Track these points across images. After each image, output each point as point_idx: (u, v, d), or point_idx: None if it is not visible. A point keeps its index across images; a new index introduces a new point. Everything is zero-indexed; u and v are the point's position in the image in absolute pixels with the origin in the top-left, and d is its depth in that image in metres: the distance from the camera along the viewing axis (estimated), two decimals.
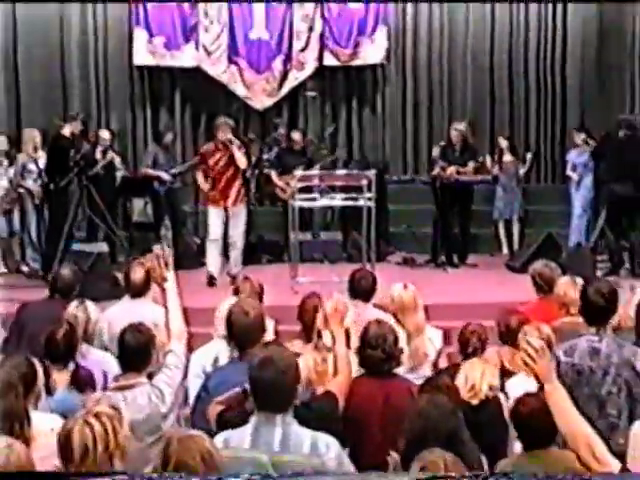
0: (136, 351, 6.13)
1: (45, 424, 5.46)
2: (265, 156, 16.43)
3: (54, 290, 8.79)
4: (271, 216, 15.94)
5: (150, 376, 6.17)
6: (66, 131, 14.02)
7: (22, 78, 17.08)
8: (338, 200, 13.84)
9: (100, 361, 7.12)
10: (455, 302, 11.61)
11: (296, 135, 16.13)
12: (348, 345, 6.48)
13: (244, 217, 13.40)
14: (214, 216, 13.24)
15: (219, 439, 5.07)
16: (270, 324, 7.49)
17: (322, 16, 17.41)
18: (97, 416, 4.73)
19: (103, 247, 13.92)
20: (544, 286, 8.54)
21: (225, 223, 13.28)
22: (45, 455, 5.23)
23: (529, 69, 17.69)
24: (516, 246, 15.78)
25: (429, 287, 11.06)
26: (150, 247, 14.71)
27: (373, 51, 17.48)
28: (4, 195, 14.26)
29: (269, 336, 7.24)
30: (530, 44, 17.64)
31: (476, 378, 6.39)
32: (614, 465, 4.50)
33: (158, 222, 15.35)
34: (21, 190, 14.20)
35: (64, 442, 4.69)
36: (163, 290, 6.56)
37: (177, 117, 17.66)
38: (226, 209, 13.20)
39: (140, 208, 15.61)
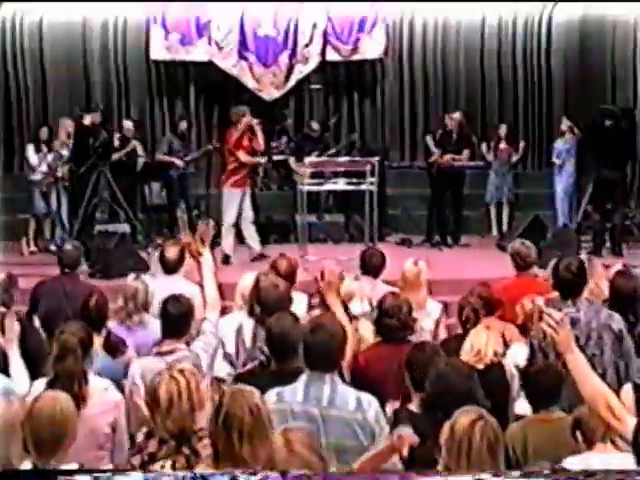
0: (177, 319, 6.24)
1: (98, 384, 5.63)
2: (273, 144, 16.36)
3: (63, 266, 8.79)
4: (278, 199, 15.96)
5: (187, 342, 6.26)
6: (86, 121, 14.02)
7: (49, 73, 17.05)
8: (343, 184, 13.77)
9: (154, 329, 7.09)
10: (449, 278, 11.51)
11: (315, 125, 16.31)
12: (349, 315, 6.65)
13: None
14: (234, 199, 13.30)
15: (272, 393, 5.15)
16: (304, 298, 7.69)
17: (325, 13, 17.28)
18: (181, 372, 4.87)
19: (125, 228, 14.06)
20: (521, 263, 8.62)
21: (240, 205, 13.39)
22: (102, 410, 5.49)
23: (517, 63, 17.69)
24: (505, 228, 15.82)
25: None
26: (164, 228, 15.17)
27: (372, 47, 17.42)
28: (43, 178, 14.31)
29: (302, 308, 7.36)
30: (517, 39, 17.62)
31: (481, 344, 6.43)
32: (630, 422, 4.46)
33: (173, 205, 15.41)
34: (58, 174, 14.22)
35: (152, 394, 4.81)
36: (199, 263, 6.74)
37: (191, 107, 17.62)
38: (244, 192, 13.36)
39: (157, 192, 15.76)
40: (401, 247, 14.45)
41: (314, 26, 17.35)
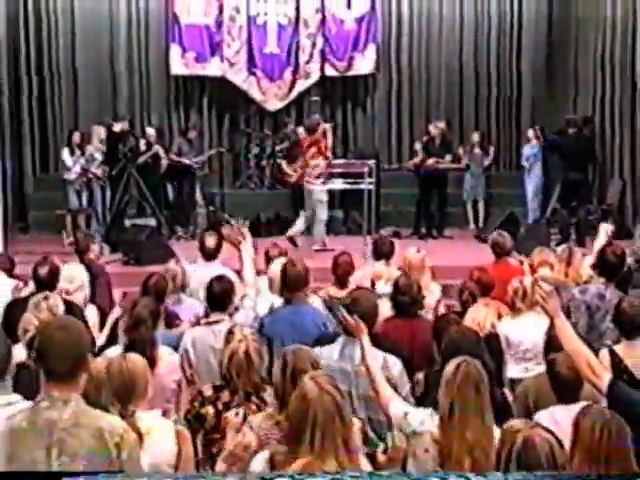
0: (221, 295, 6.48)
1: (164, 349, 5.86)
2: (277, 148, 16.43)
3: (77, 252, 8.97)
4: (284, 197, 15.90)
5: (230, 314, 6.55)
6: (116, 128, 14.23)
7: (80, 86, 17.06)
8: (344, 184, 13.84)
9: (192, 306, 7.40)
10: (435, 265, 11.84)
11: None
12: None
13: None
14: (307, 194, 13.49)
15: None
16: None
17: (323, 35, 17.31)
18: (253, 334, 5.20)
19: (152, 221, 14.14)
20: (499, 251, 8.81)
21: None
22: (169, 371, 5.72)
23: (491, 80, 17.69)
24: (482, 222, 15.76)
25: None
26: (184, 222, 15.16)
27: (365, 63, 17.42)
28: (76, 178, 14.34)
29: None
30: (491, 59, 17.65)
31: (481, 318, 6.72)
32: (607, 378, 4.63)
33: (191, 202, 15.44)
34: (90, 174, 14.26)
35: (244, 354, 5.07)
36: (239, 250, 7.02)
37: (205, 117, 17.54)
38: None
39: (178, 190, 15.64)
40: (392, 239, 14.40)
41: (313, 45, 17.31)
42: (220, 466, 4.28)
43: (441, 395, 4.49)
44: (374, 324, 5.72)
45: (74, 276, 7.48)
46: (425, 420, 4.57)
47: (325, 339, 5.84)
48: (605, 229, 8.44)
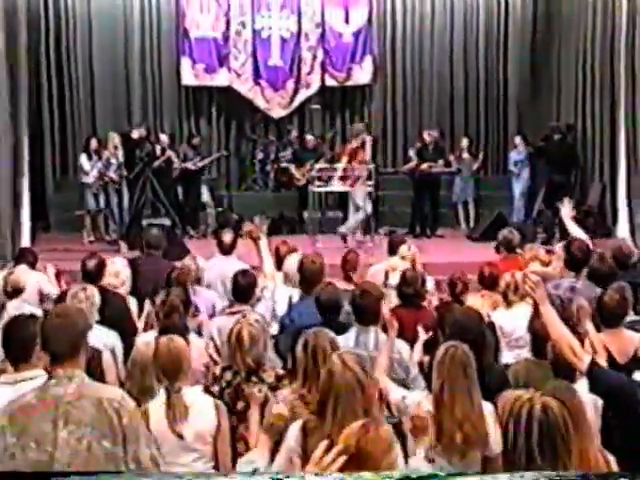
0: (245, 288, 6.67)
1: (192, 336, 6.03)
2: (281, 153, 16.53)
3: (149, 247, 9.10)
4: (287, 198, 15.95)
5: (252, 305, 6.71)
6: (134, 135, 14.29)
7: (97, 95, 17.13)
8: (345, 186, 13.77)
9: (208, 297, 7.56)
10: (430, 262, 11.87)
11: (309, 137, 16.32)
12: None
13: None
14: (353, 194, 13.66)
15: None
16: None
17: (323, 47, 17.39)
18: (257, 321, 5.36)
19: (166, 221, 14.09)
20: (508, 246, 8.86)
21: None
22: (199, 354, 5.87)
23: (480, 87, 17.78)
24: (472, 222, 15.81)
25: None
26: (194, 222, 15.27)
27: (362, 74, 17.50)
28: (94, 182, 14.39)
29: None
30: (480, 69, 17.71)
31: (478, 306, 6.78)
32: (587, 360, 4.75)
33: (199, 203, 15.56)
34: (106, 178, 14.27)
35: (236, 336, 5.24)
36: (257, 245, 7.26)
37: (213, 124, 17.63)
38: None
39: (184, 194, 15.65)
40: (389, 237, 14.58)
41: (314, 57, 17.38)
42: (262, 437, 4.44)
43: (433, 377, 4.69)
44: (380, 313, 5.85)
45: (118, 271, 7.68)
46: (422, 401, 4.74)
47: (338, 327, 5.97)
48: (566, 204, 8.64)
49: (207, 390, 5.21)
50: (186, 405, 4.76)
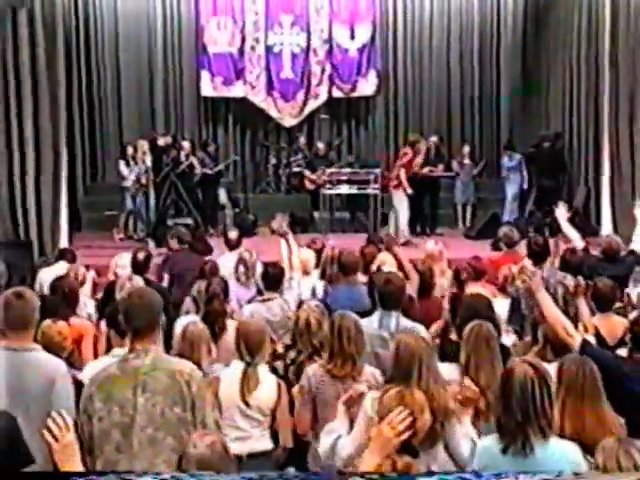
0: (274, 278, 6.96)
1: (229, 322, 6.31)
2: (292, 158, 16.65)
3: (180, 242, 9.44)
4: (298, 200, 15.97)
5: (280, 292, 7.02)
6: (161, 142, 14.57)
7: (124, 106, 17.40)
8: (353, 189, 14.10)
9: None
10: None
11: (320, 145, 16.56)
12: None
13: None
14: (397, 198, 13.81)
15: None
16: None
17: (330, 62, 17.50)
18: (317, 306, 5.64)
19: (189, 220, 14.34)
20: (508, 242, 9.00)
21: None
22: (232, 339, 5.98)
23: (474, 97, 17.94)
24: (468, 222, 15.92)
25: (411, 249, 11.80)
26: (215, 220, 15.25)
27: (367, 86, 17.64)
28: (132, 185, 14.42)
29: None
30: (475, 85, 17.88)
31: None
32: (578, 339, 4.94)
33: (218, 205, 15.67)
34: (142, 182, 14.36)
35: (305, 320, 5.52)
36: (286, 240, 7.57)
37: (230, 132, 17.80)
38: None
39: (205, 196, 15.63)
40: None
41: (322, 71, 17.52)
42: (340, 407, 4.58)
43: (461, 350, 4.94)
44: (402, 299, 6.10)
45: (124, 264, 7.98)
46: (452, 371, 4.98)
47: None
48: (561, 207, 8.75)
49: (271, 366, 5.47)
50: (258, 379, 5.07)
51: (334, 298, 6.85)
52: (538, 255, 7.47)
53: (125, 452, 4.10)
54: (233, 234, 9.09)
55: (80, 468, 3.65)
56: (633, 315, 5.94)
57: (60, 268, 8.44)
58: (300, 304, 5.96)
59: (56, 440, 3.53)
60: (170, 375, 4.15)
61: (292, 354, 5.61)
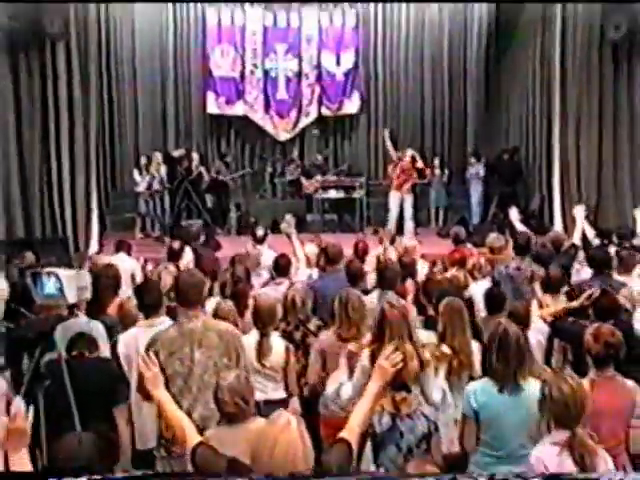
0: (284, 266, 7.42)
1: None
2: (286, 168, 16.74)
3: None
4: (294, 205, 15.76)
5: (289, 278, 7.43)
6: (175, 154, 14.95)
7: (140, 123, 17.64)
8: (342, 194, 14.39)
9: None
10: None
11: (319, 157, 16.89)
12: None
13: None
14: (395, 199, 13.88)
15: None
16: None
17: (319, 84, 17.71)
18: (302, 288, 6.13)
19: (199, 221, 14.57)
20: (455, 239, 9.17)
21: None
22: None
23: (444, 119, 18.17)
24: (441, 223, 16.18)
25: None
26: (224, 221, 15.51)
27: (351, 106, 17.90)
28: (144, 191, 14.73)
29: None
30: (445, 104, 18.05)
31: (460, 280, 7.52)
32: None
33: (227, 208, 15.99)
34: (154, 188, 14.68)
35: (291, 299, 5.97)
36: (291, 239, 8.01)
37: (232, 145, 17.95)
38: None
39: (214, 200, 16.14)
40: (374, 235, 14.77)
41: (312, 92, 17.75)
42: (342, 361, 4.89)
43: (439, 320, 5.42)
44: (396, 282, 6.61)
45: (185, 254, 8.51)
46: (431, 337, 5.46)
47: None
48: (580, 212, 8.74)
49: (283, 332, 5.88)
50: (270, 345, 5.55)
51: (323, 282, 7.21)
52: (522, 248, 7.82)
53: (186, 395, 4.62)
54: (260, 232, 9.45)
55: (28, 467, 3.27)
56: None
57: (119, 259, 8.68)
58: (290, 286, 6.34)
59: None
60: (219, 333, 4.66)
61: (283, 325, 6.02)
